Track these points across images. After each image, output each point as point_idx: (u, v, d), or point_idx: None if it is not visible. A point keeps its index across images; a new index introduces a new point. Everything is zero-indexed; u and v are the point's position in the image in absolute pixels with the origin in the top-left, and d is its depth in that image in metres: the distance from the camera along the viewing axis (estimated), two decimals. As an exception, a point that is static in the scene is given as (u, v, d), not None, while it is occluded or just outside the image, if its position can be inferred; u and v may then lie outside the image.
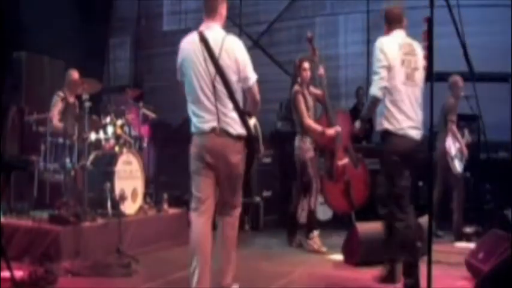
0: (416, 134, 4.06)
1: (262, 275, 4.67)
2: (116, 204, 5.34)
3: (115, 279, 4.38)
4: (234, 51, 3.54)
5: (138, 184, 5.82)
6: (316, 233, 5.73)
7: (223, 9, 3.65)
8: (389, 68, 3.95)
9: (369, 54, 8.85)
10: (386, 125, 3.98)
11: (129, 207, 5.60)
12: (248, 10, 9.76)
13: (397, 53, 4.00)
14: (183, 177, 8.88)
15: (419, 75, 4.09)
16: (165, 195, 6.27)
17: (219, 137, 3.52)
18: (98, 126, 5.87)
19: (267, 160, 7.69)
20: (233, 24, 9.76)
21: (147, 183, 6.21)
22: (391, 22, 4.17)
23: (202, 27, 3.59)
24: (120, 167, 5.56)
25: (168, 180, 8.15)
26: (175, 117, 9.90)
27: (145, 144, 6.53)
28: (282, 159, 7.71)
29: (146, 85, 10.03)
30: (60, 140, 5.68)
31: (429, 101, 3.46)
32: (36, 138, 5.87)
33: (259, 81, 3.72)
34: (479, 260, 4.39)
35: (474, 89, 6.62)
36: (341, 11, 9.27)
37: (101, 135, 5.85)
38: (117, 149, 5.83)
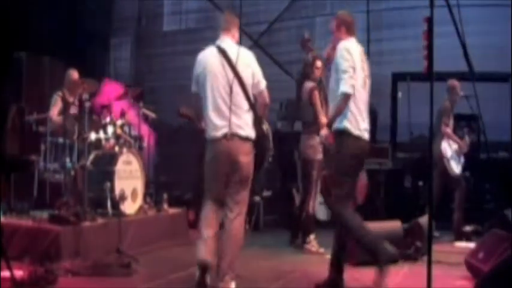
0: (368, 136, 4.21)
1: (262, 275, 4.67)
2: (115, 204, 5.34)
3: (115, 279, 4.37)
4: (249, 59, 4.04)
5: (138, 184, 5.82)
6: (312, 236, 5.72)
7: (236, 33, 4.20)
8: (354, 70, 4.01)
9: (369, 54, 8.84)
10: (348, 124, 4.00)
11: (129, 207, 5.60)
12: (248, 10, 9.74)
13: (358, 58, 4.09)
14: (183, 177, 8.94)
15: (368, 82, 4.26)
16: (165, 195, 6.28)
17: (229, 141, 3.89)
18: (98, 126, 5.87)
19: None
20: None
21: (147, 183, 6.21)
22: (348, 28, 4.22)
23: (218, 42, 4.08)
24: (120, 166, 5.56)
25: (168, 180, 8.16)
26: (175, 117, 9.89)
27: (145, 144, 6.52)
28: (282, 159, 7.72)
29: (146, 85, 10.02)
30: (60, 139, 5.69)
31: (429, 100, 3.46)
32: (36, 138, 5.87)
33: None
34: (479, 260, 4.38)
35: (474, 89, 6.62)
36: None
37: (101, 135, 5.84)
38: (117, 148, 5.83)
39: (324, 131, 4.15)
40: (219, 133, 3.91)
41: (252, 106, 3.99)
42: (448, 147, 6.44)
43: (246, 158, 3.94)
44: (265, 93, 4.08)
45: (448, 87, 6.53)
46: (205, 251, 3.95)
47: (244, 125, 3.93)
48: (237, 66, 3.93)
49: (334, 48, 4.20)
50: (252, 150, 4.01)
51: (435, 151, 6.36)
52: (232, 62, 3.93)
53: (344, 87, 3.95)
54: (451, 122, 6.57)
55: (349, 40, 4.15)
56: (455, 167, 6.45)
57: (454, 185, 6.47)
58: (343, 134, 4.02)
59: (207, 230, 3.97)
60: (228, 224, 4.01)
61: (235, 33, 4.18)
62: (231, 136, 3.89)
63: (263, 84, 4.05)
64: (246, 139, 3.94)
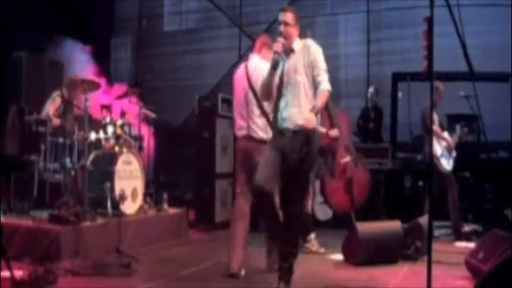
0: None
1: (262, 275, 4.67)
2: (115, 204, 5.34)
3: (115, 279, 4.37)
4: (263, 70, 4.38)
5: (138, 184, 5.82)
6: (313, 235, 5.72)
7: (267, 53, 4.62)
8: None
9: (369, 54, 8.86)
10: (316, 124, 3.93)
11: (129, 207, 5.61)
12: (248, 10, 9.75)
13: None
14: (183, 177, 8.91)
15: None
16: (165, 195, 6.28)
17: (247, 141, 4.61)
18: (98, 126, 5.88)
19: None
20: (233, 24, 9.78)
21: (147, 183, 6.20)
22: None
23: (248, 60, 4.80)
24: (120, 166, 5.56)
25: (168, 180, 8.16)
26: (175, 117, 9.93)
27: (145, 144, 6.52)
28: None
29: (146, 85, 10.03)
30: (60, 139, 5.68)
31: (429, 100, 3.46)
32: (36, 138, 5.86)
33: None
34: (479, 260, 4.38)
35: (474, 89, 6.62)
36: (341, 11, 9.27)
37: (101, 135, 5.84)
38: (117, 148, 5.83)
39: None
40: (241, 133, 4.66)
41: (264, 112, 4.54)
42: (438, 145, 6.44)
43: (259, 156, 4.42)
44: None
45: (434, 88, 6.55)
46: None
47: (257, 128, 4.56)
48: (251, 77, 4.57)
49: (290, 41, 4.06)
50: None
51: (426, 150, 6.37)
52: (249, 73, 4.62)
53: (328, 85, 3.96)
54: (437, 120, 6.58)
55: None
56: (446, 164, 6.46)
57: (445, 182, 6.45)
58: (315, 133, 3.99)
59: (238, 222, 4.60)
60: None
61: (266, 53, 4.67)
62: (249, 137, 4.59)
63: None
64: (260, 141, 4.50)
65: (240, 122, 4.68)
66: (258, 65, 4.63)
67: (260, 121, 4.58)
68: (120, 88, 7.29)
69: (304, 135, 3.87)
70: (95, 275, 4.39)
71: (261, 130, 4.57)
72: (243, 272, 4.53)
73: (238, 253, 4.49)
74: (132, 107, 6.57)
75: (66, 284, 4.12)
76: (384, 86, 8.38)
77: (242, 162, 4.71)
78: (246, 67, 4.70)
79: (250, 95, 4.60)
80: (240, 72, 4.78)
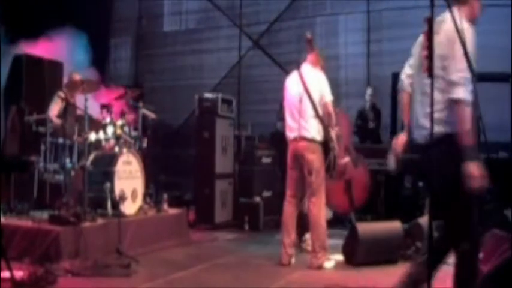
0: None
1: (262, 275, 4.67)
2: (115, 204, 5.34)
3: (115, 279, 4.38)
4: (317, 78, 4.93)
5: (138, 184, 5.82)
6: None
7: (311, 56, 5.02)
8: None
9: (369, 54, 8.87)
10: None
11: (129, 207, 5.60)
12: (248, 10, 9.76)
13: None
14: (183, 177, 8.91)
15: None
16: (165, 195, 6.28)
17: (298, 142, 4.87)
18: (98, 126, 5.88)
19: (267, 160, 7.68)
20: (233, 24, 9.79)
21: (147, 183, 6.20)
22: None
23: (301, 68, 5.05)
24: (120, 167, 5.56)
25: (168, 180, 8.16)
26: (175, 117, 9.93)
27: (145, 144, 6.52)
28: (282, 159, 7.70)
29: (146, 85, 10.04)
30: (60, 140, 5.68)
31: (429, 100, 3.45)
32: (36, 138, 5.87)
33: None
34: (479, 260, 4.38)
35: (474, 89, 6.61)
36: (341, 11, 9.27)
37: (101, 135, 5.84)
38: (117, 149, 5.83)
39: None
40: (292, 135, 4.91)
41: (317, 114, 4.82)
42: None
43: (310, 155, 4.81)
44: (329, 105, 4.88)
45: None
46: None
47: (310, 128, 4.81)
48: (306, 82, 4.87)
49: None
50: (318, 150, 4.82)
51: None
52: (303, 79, 4.90)
53: None
54: None
55: None
56: None
57: None
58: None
59: (284, 229, 5.00)
60: (309, 212, 4.91)
61: (310, 57, 5.04)
62: (300, 138, 4.83)
63: (327, 98, 4.88)
64: (311, 140, 4.81)
65: (291, 123, 4.93)
66: (313, 72, 4.98)
67: (314, 122, 4.83)
68: (117, 90, 7.29)
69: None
70: (95, 275, 4.39)
71: (314, 130, 4.82)
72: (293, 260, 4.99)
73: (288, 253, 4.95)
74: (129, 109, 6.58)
75: (66, 284, 4.12)
76: (384, 86, 8.38)
77: (292, 165, 4.96)
78: (300, 74, 4.97)
79: (305, 98, 4.85)
80: (293, 79, 5.05)
